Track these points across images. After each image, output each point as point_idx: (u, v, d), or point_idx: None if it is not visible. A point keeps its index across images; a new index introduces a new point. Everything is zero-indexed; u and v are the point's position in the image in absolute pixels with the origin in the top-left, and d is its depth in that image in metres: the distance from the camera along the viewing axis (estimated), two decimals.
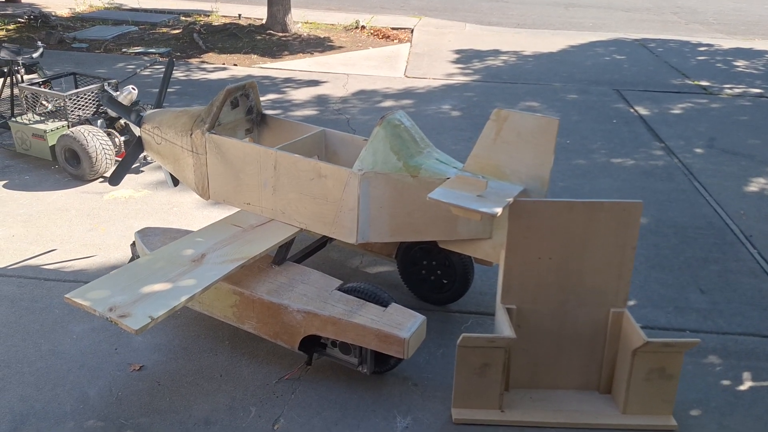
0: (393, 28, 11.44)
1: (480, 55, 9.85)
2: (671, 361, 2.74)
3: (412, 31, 11.38)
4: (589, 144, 6.20)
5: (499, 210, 2.58)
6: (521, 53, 10.03)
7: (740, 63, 9.81)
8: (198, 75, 8.23)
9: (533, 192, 2.83)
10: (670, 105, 7.53)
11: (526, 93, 7.87)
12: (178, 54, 9.21)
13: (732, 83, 8.61)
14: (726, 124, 6.90)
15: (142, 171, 5.23)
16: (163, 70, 8.11)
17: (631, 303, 3.66)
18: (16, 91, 5.61)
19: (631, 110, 7.29)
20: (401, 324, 2.79)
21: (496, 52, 10.04)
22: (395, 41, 10.60)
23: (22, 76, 5.67)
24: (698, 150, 6.12)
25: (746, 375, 3.15)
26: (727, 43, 11.27)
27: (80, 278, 3.74)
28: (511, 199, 2.69)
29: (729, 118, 7.14)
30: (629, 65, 9.44)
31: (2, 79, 5.67)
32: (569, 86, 8.23)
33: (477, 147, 2.91)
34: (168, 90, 5.02)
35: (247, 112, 3.72)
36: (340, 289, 3.04)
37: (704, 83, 8.57)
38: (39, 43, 6.23)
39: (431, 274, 3.54)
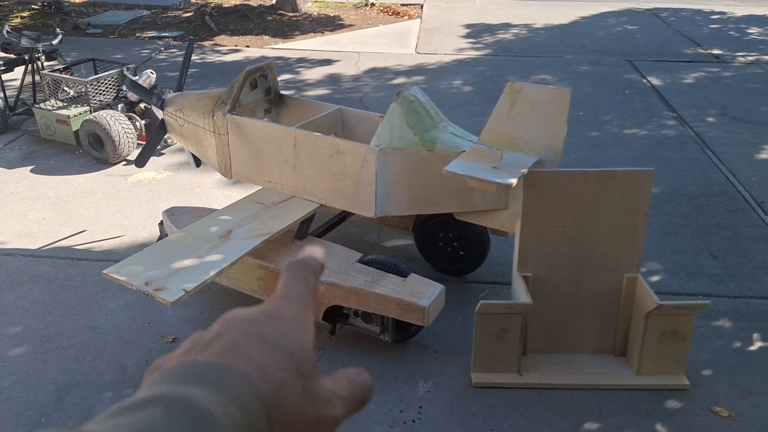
0: (402, 5, 11.42)
1: (491, 29, 9.84)
2: (683, 323, 2.84)
3: (422, 6, 11.36)
4: (602, 115, 6.24)
5: (514, 181, 2.67)
6: (532, 26, 10.00)
7: (753, 30, 9.72)
8: (213, 57, 8.31)
9: (547, 162, 2.91)
10: (683, 74, 7.52)
11: (538, 66, 7.89)
12: (191, 37, 9.29)
13: (745, 51, 8.55)
14: (739, 93, 6.90)
15: (163, 154, 5.36)
16: (179, 53, 8.21)
17: (644, 270, 3.74)
18: (37, 77, 5.75)
19: (644, 80, 7.29)
20: (421, 293, 2.91)
21: (506, 26, 10.02)
22: (405, 18, 10.59)
23: (42, 63, 5.79)
24: (711, 119, 6.14)
25: (756, 336, 3.24)
26: (740, 11, 11.14)
27: (111, 257, 3.89)
28: (525, 170, 2.78)
29: (742, 86, 7.12)
30: (641, 35, 9.39)
31: (24, 67, 5.79)
32: (581, 58, 8.23)
33: (491, 120, 2.99)
34: None
35: (265, 92, 3.82)
36: (360, 261, 3.15)
37: (717, 52, 8.52)
38: (58, 29, 6.34)
39: (448, 245, 3.64)
